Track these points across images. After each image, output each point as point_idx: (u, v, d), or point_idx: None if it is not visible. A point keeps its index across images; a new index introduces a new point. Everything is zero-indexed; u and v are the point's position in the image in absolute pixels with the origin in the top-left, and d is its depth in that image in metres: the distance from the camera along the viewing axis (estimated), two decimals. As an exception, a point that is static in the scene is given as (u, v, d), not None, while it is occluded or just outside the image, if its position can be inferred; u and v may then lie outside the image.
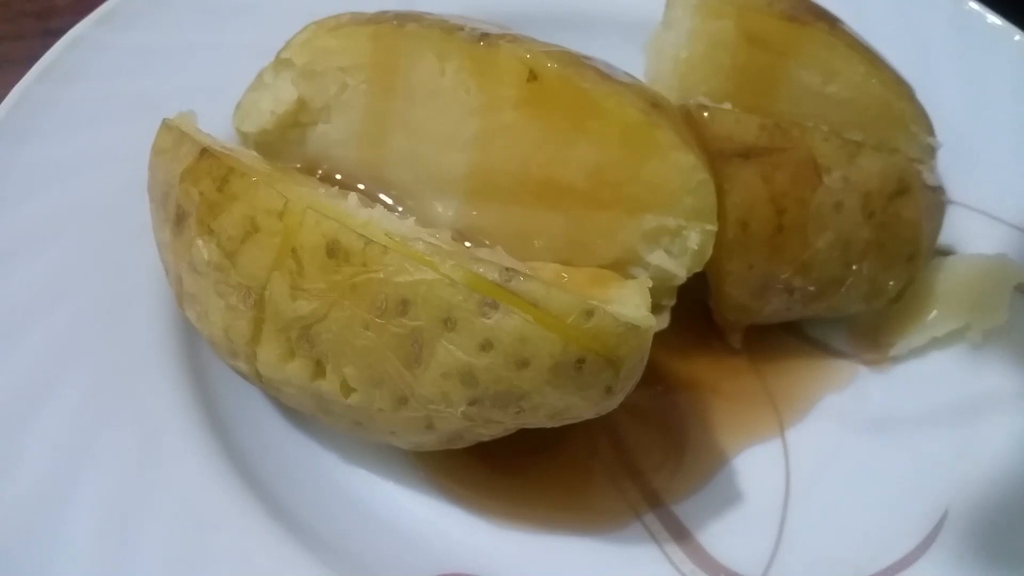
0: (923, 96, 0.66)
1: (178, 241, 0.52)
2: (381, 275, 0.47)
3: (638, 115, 0.53)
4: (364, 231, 0.47)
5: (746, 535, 0.60)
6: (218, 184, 0.50)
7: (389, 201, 0.59)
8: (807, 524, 0.60)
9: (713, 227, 0.55)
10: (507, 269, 0.47)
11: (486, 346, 0.46)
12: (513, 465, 0.61)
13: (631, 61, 0.64)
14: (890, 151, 0.63)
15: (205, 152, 0.51)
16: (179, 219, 0.52)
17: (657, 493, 0.62)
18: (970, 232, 0.71)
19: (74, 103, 0.66)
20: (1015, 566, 0.56)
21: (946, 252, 0.70)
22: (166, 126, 0.55)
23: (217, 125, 0.59)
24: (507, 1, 0.79)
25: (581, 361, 0.47)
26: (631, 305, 0.50)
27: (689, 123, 0.58)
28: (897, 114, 0.65)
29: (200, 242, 0.50)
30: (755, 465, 0.64)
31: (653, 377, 0.58)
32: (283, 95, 0.59)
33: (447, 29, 0.55)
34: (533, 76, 0.53)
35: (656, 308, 0.52)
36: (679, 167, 0.54)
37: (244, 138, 0.61)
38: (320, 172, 0.60)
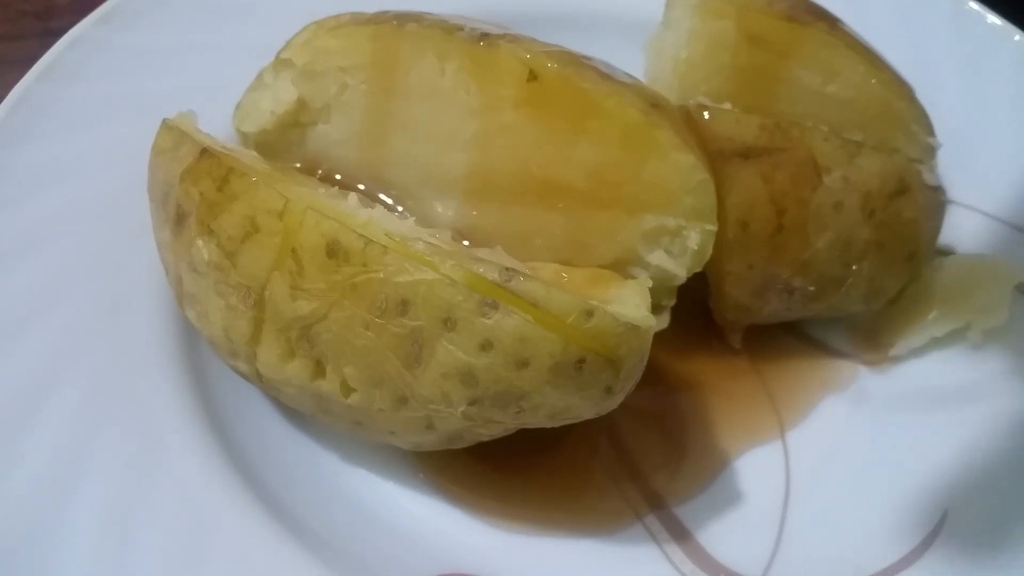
0: (923, 96, 0.66)
1: (178, 241, 0.52)
2: (381, 275, 0.47)
3: (638, 115, 0.53)
4: (364, 231, 0.47)
5: (746, 535, 0.60)
6: (218, 184, 0.50)
7: (389, 201, 0.59)
8: (807, 524, 0.60)
9: (713, 227, 0.55)
10: (507, 269, 0.47)
11: (486, 346, 0.46)
12: (513, 465, 0.61)
13: (631, 61, 0.64)
14: (890, 151, 0.63)
15: (205, 152, 0.51)
16: (179, 219, 0.52)
17: (657, 493, 0.62)
18: (970, 232, 0.71)
19: (74, 103, 0.66)
20: (1015, 566, 0.56)
21: (946, 252, 0.70)
22: (166, 126, 0.55)
23: (217, 125, 0.59)
24: (507, 1, 0.79)
25: (581, 361, 0.47)
26: (631, 305, 0.50)
27: (689, 123, 0.58)
28: (897, 114, 0.65)
29: (200, 242, 0.50)
30: (755, 465, 0.64)
31: (653, 377, 0.58)
32: (283, 95, 0.59)
33: (447, 29, 0.55)
34: (533, 76, 0.53)
35: (656, 308, 0.52)
36: (679, 167, 0.54)
37: (244, 138, 0.61)
38: (320, 172, 0.60)
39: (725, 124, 0.59)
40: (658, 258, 0.55)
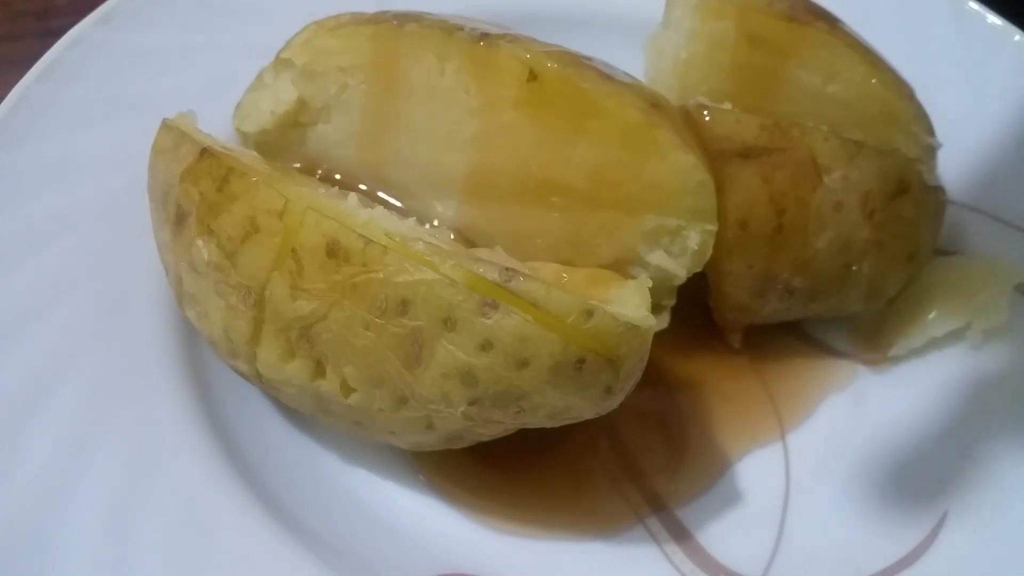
0: (923, 96, 0.66)
1: (178, 241, 0.52)
2: (381, 275, 0.47)
3: (638, 115, 0.53)
4: (364, 231, 0.47)
5: (746, 535, 0.60)
6: (218, 184, 0.50)
7: (391, 201, 0.59)
8: (807, 524, 0.60)
9: (713, 227, 0.55)
10: (507, 269, 0.47)
11: (486, 346, 0.46)
12: (513, 466, 0.61)
13: (631, 61, 0.64)
14: (890, 151, 0.63)
15: (205, 152, 0.51)
16: (179, 219, 0.52)
17: (658, 495, 0.62)
18: (970, 232, 0.71)
19: (74, 103, 0.66)
20: (1015, 566, 0.56)
21: (946, 252, 0.70)
22: (166, 126, 0.55)
23: (217, 125, 0.59)
24: (507, 1, 0.79)
25: (581, 361, 0.47)
26: (631, 305, 0.50)
27: (689, 123, 0.58)
28: (897, 114, 0.64)
29: (200, 242, 0.50)
30: (755, 465, 0.64)
31: (653, 377, 0.58)
32: (283, 95, 0.59)
33: (447, 29, 0.55)
34: (533, 76, 0.53)
35: (656, 308, 0.52)
36: (679, 167, 0.54)
37: (244, 138, 0.61)
38: (320, 172, 0.60)
39: (725, 124, 0.59)
40: (658, 258, 0.55)
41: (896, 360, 0.68)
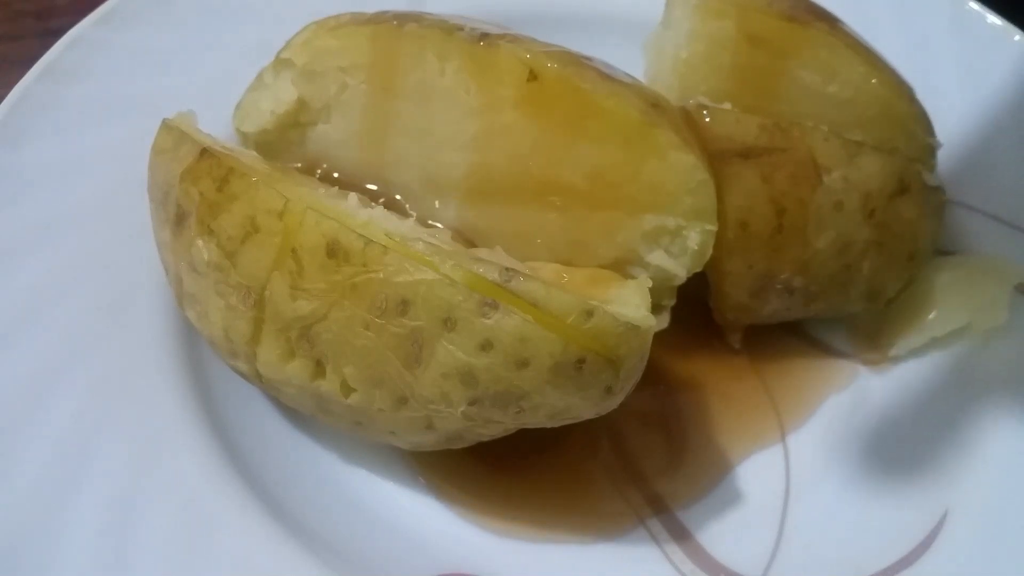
0: (923, 96, 0.66)
1: (178, 241, 0.52)
2: (381, 275, 0.47)
3: (638, 115, 0.53)
4: (364, 231, 0.47)
5: (746, 535, 0.60)
6: (218, 184, 0.50)
7: (391, 201, 0.59)
8: (807, 524, 0.60)
9: (713, 227, 0.55)
10: (507, 269, 0.47)
11: (486, 346, 0.46)
12: (513, 466, 0.61)
13: (631, 61, 0.64)
14: (890, 151, 0.63)
15: (205, 152, 0.51)
16: (179, 219, 0.52)
17: (659, 495, 0.62)
18: (970, 232, 0.71)
19: (74, 103, 0.66)
20: (1015, 566, 0.56)
21: (946, 252, 0.70)
22: (166, 126, 0.55)
23: (217, 125, 0.59)
24: (507, 1, 0.79)
25: (581, 361, 0.47)
26: (631, 305, 0.50)
27: (689, 123, 0.58)
28: (897, 114, 0.64)
29: (200, 242, 0.50)
30: (755, 465, 0.64)
31: (653, 377, 0.58)
32: (283, 95, 0.59)
33: (447, 29, 0.55)
34: (533, 76, 0.53)
35: (656, 308, 0.52)
36: (679, 167, 0.54)
37: (244, 138, 0.61)
38: (320, 172, 0.60)
39: (725, 124, 0.59)
40: (658, 258, 0.55)
41: (896, 360, 0.68)
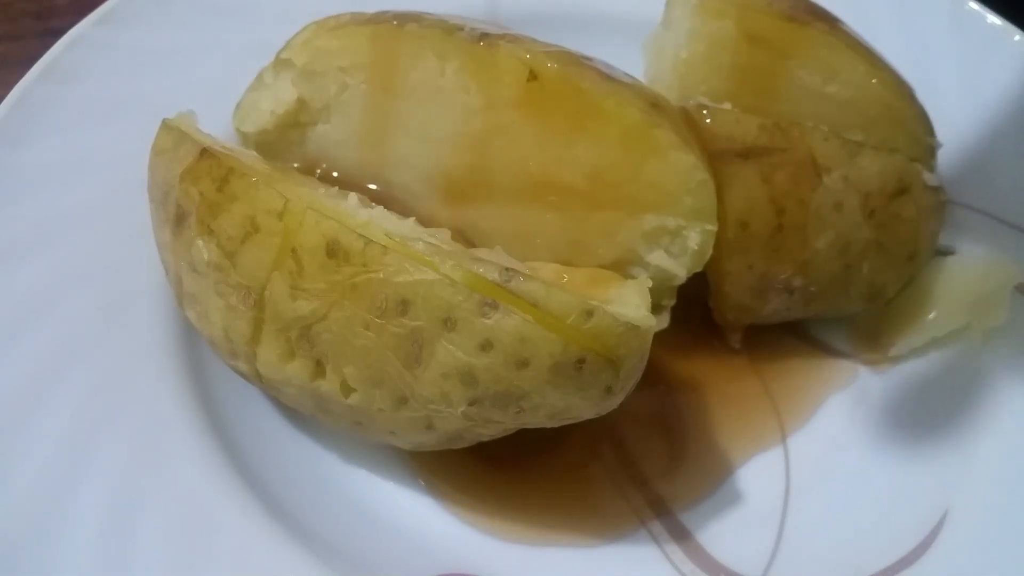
0: (923, 96, 0.66)
1: (178, 241, 0.52)
2: (381, 275, 0.47)
3: (638, 115, 0.53)
4: (364, 231, 0.47)
5: (746, 535, 0.60)
6: (218, 184, 0.50)
7: (391, 200, 0.59)
8: (807, 524, 0.60)
9: (713, 227, 0.55)
10: (507, 269, 0.47)
11: (486, 346, 0.46)
12: (513, 466, 0.61)
13: (631, 61, 0.64)
14: (890, 151, 0.63)
15: (205, 152, 0.51)
16: (179, 219, 0.52)
17: (659, 496, 0.62)
18: (970, 232, 0.71)
19: (74, 103, 0.66)
20: (1015, 566, 0.56)
21: (946, 252, 0.70)
22: (166, 126, 0.55)
23: (217, 125, 0.59)
24: (507, 1, 0.79)
25: (581, 361, 0.47)
26: (631, 305, 0.50)
27: (689, 123, 0.58)
28: (897, 114, 0.65)
29: (200, 242, 0.50)
30: (755, 465, 0.64)
31: (654, 377, 0.58)
32: (283, 95, 0.59)
33: (447, 29, 0.55)
34: (533, 76, 0.53)
35: (656, 308, 0.52)
36: (679, 167, 0.54)
37: (244, 138, 0.61)
38: (319, 172, 0.60)
39: (725, 124, 0.59)
40: (658, 258, 0.55)
41: (896, 360, 0.68)
